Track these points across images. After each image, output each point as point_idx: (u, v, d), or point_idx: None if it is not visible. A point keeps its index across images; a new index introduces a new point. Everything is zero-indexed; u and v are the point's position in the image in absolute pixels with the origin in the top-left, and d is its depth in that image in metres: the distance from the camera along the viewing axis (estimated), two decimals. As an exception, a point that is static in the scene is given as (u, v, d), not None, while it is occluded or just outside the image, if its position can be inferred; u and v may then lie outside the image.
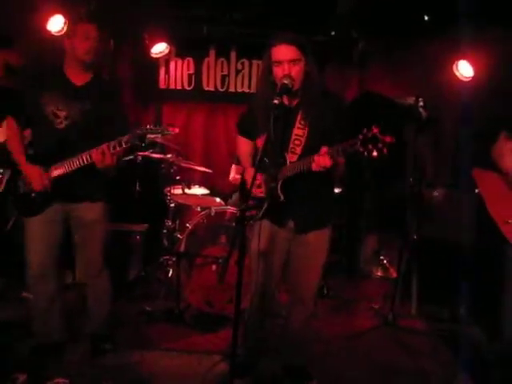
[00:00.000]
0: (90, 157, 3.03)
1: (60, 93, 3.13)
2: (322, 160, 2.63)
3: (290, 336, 3.28)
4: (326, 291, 4.82)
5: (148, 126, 3.00)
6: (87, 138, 3.10)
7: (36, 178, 3.10)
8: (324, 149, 2.64)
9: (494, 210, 3.04)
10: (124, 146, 3.01)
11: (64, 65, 3.19)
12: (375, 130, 2.43)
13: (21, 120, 3.24)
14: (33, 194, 3.14)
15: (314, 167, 2.68)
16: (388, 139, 2.42)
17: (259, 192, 2.90)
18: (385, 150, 2.42)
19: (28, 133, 3.29)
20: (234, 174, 5.30)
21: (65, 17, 4.69)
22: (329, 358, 3.68)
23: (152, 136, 3.00)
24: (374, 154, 2.43)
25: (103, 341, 3.51)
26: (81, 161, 3.05)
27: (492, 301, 3.21)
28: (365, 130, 2.45)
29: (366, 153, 2.45)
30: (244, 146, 3.22)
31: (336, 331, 4.13)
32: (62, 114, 3.13)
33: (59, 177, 3.12)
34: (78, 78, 3.19)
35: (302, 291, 3.13)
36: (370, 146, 2.43)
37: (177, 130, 3.05)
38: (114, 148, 3.01)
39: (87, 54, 3.10)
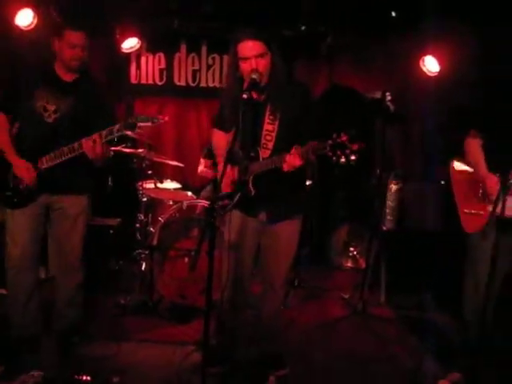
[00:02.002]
0: (80, 146, 3.07)
1: (49, 88, 3.19)
2: (292, 160, 2.70)
3: (262, 325, 3.34)
4: (296, 283, 4.91)
5: (138, 115, 3.06)
6: (76, 131, 3.13)
7: (25, 171, 3.13)
8: (294, 149, 2.70)
9: (459, 199, 3.15)
10: (116, 134, 3.06)
11: (55, 63, 3.24)
12: (344, 138, 2.48)
13: (11, 115, 3.27)
14: (20, 187, 3.17)
15: (286, 167, 2.74)
16: (356, 147, 2.47)
17: (230, 189, 2.95)
18: (352, 157, 2.48)
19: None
20: (202, 168, 5.36)
21: (34, 11, 4.66)
22: (301, 346, 3.78)
23: (143, 124, 3.05)
24: (342, 160, 2.49)
25: (71, 335, 3.52)
26: (71, 150, 3.10)
27: (457, 287, 3.31)
28: (334, 135, 2.51)
29: (334, 158, 2.51)
30: (218, 138, 3.24)
31: (308, 320, 4.24)
32: (51, 108, 3.19)
33: (49, 168, 3.15)
34: (67, 75, 3.25)
35: (273, 280, 3.20)
36: (339, 152, 2.49)
37: (166, 118, 3.11)
38: (106, 137, 3.06)
39: (72, 61, 3.17)
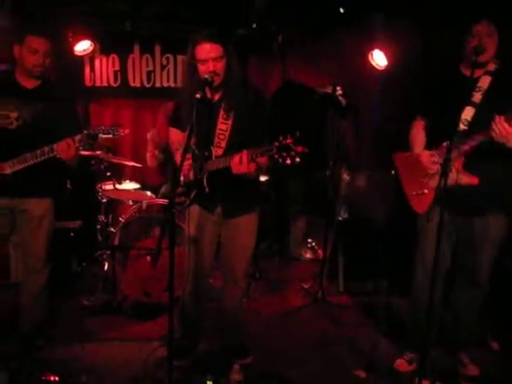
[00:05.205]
0: (52, 149, 3.10)
1: (11, 96, 3.20)
2: (237, 168, 2.79)
3: (225, 316, 3.44)
4: (258, 275, 5.03)
5: (100, 126, 3.12)
6: (39, 138, 3.15)
7: None
8: (238, 156, 2.78)
9: (406, 186, 3.31)
10: (77, 144, 3.11)
11: (15, 69, 3.26)
12: (289, 141, 2.58)
13: None
14: None
15: (234, 171, 2.83)
16: (300, 149, 2.58)
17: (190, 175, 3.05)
18: (297, 159, 2.58)
19: None
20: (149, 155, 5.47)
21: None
22: (265, 336, 3.89)
23: (104, 136, 3.11)
24: (288, 161, 2.60)
25: (36, 337, 3.54)
26: (41, 154, 3.12)
27: (411, 272, 3.47)
28: (281, 137, 2.60)
29: (280, 160, 2.61)
30: (175, 134, 3.28)
31: (270, 311, 4.37)
32: (13, 115, 3.19)
33: (15, 172, 3.17)
34: (28, 82, 3.26)
35: (235, 272, 3.29)
36: (284, 154, 2.60)
37: (127, 131, 3.18)
38: (79, 142, 3.10)
39: (35, 67, 3.18)
